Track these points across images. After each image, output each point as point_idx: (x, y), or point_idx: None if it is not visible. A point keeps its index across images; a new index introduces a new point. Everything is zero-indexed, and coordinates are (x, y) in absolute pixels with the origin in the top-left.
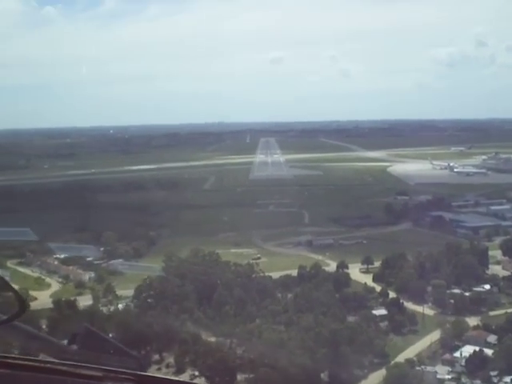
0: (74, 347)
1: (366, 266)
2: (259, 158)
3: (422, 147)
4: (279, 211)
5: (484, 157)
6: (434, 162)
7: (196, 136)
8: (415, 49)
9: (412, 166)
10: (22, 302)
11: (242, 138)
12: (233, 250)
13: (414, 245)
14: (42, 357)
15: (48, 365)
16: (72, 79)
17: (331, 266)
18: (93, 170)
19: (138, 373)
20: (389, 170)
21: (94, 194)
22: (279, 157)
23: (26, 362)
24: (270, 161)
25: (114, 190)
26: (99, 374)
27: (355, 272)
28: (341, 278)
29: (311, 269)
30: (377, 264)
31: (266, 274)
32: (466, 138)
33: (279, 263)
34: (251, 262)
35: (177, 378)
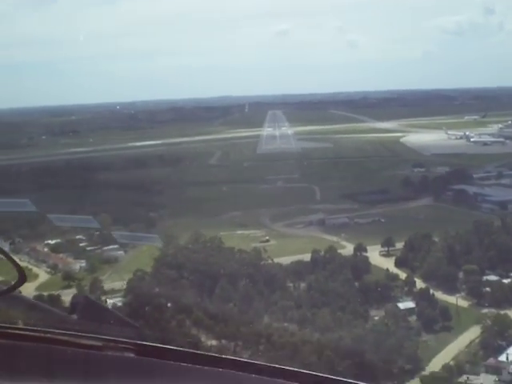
0: (74, 317)
1: (386, 249)
2: (266, 131)
3: (433, 116)
4: (288, 187)
5: (500, 125)
6: (449, 132)
7: (202, 110)
8: (422, 17)
9: (426, 137)
10: (22, 272)
11: (248, 111)
12: (239, 232)
13: (437, 223)
14: (41, 327)
15: (48, 335)
16: (75, 56)
17: (347, 249)
18: (95, 148)
19: (138, 342)
20: (402, 140)
21: (93, 173)
22: (287, 129)
23: (26, 333)
24: (278, 134)
25: (115, 168)
26: (99, 343)
27: (375, 255)
28: (359, 264)
29: (326, 253)
30: (398, 246)
31: (275, 260)
32: (478, 106)
33: (290, 246)
34: (258, 245)
35: (177, 348)
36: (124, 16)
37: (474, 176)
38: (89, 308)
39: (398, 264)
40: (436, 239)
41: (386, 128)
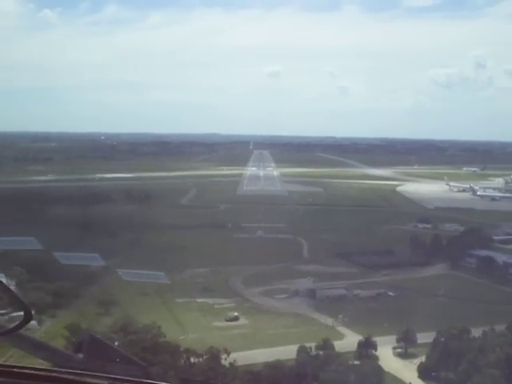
0: (80, 356)
1: (403, 346)
2: (250, 170)
3: (427, 166)
4: (270, 238)
5: (503, 179)
6: (451, 184)
7: (186, 145)
8: (413, 69)
9: (425, 187)
10: (27, 311)
11: (234, 149)
12: (199, 300)
13: (468, 304)
14: (47, 366)
15: (54, 374)
16: (67, 84)
17: (348, 340)
18: (60, 177)
19: (144, 381)
20: (399, 189)
21: (44, 205)
22: (273, 170)
23: (31, 372)
24: (263, 174)
25: (71, 201)
26: (105, 382)
27: (387, 355)
28: (366, 370)
29: (317, 349)
30: (421, 340)
31: (242, 355)
32: (469, 158)
33: (266, 331)
34: (223, 325)
35: None
36: (118, 48)
37: (495, 238)
38: (95, 346)
39: (423, 374)
40: (476, 335)
41: (380, 175)
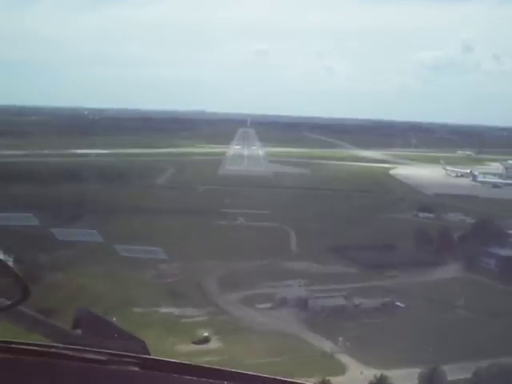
0: (78, 331)
1: None
2: (234, 149)
3: (419, 148)
4: (252, 227)
5: (497, 164)
6: (448, 168)
7: (170, 122)
8: (401, 51)
9: (420, 171)
10: (25, 287)
11: (219, 127)
12: (162, 311)
13: (500, 321)
14: (46, 342)
15: (52, 349)
16: (53, 58)
17: (353, 376)
18: (31, 151)
19: (143, 356)
20: (392, 173)
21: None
22: (257, 149)
23: (29, 347)
24: (247, 153)
25: (28, 180)
26: (103, 357)
27: None
28: None
29: None
30: (451, 375)
31: None
32: (460, 142)
33: (243, 360)
34: (189, 349)
35: (181, 361)
36: (106, 24)
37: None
38: (92, 322)
39: None
40: None
41: (370, 157)
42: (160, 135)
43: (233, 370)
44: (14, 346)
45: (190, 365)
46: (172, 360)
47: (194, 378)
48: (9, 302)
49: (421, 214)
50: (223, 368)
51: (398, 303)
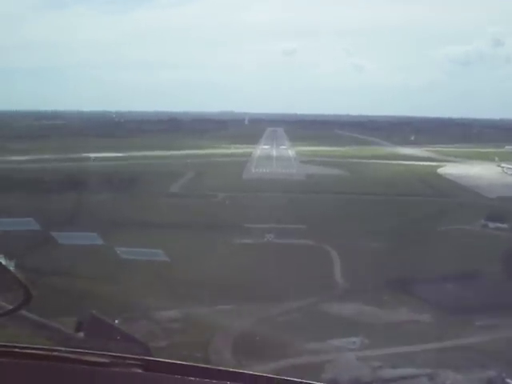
0: (81, 334)
1: None
2: (261, 149)
3: (461, 144)
4: (284, 246)
5: None
6: (504, 165)
7: (196, 123)
8: (430, 46)
9: (472, 169)
10: (27, 291)
11: (247, 127)
12: None
13: None
14: (48, 345)
15: (55, 353)
16: (81, 63)
17: None
18: (39, 156)
19: (145, 357)
20: (441, 172)
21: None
22: (287, 149)
23: (32, 351)
24: (276, 154)
25: (31, 187)
26: (106, 360)
27: None
28: None
29: None
30: None
31: None
32: (501, 136)
33: None
34: None
35: (185, 362)
36: (131, 26)
37: None
38: (95, 325)
39: None
40: None
41: (411, 155)
42: (183, 136)
43: (235, 370)
44: (16, 349)
45: (193, 366)
46: (175, 361)
47: (197, 379)
48: (11, 306)
49: (491, 225)
50: (226, 369)
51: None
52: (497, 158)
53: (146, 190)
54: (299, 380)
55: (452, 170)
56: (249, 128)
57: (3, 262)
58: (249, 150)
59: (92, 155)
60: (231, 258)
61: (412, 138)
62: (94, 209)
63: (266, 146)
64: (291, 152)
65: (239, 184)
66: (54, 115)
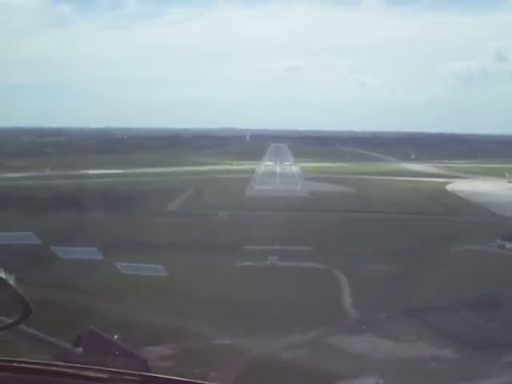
0: (79, 349)
1: None
2: (265, 165)
3: (468, 160)
4: (287, 271)
5: None
6: None
7: (198, 139)
8: (433, 62)
9: (482, 186)
10: (27, 305)
11: (249, 144)
12: None
13: None
14: (47, 360)
15: (53, 368)
16: (84, 80)
17: None
18: (35, 173)
19: (144, 373)
20: (450, 189)
21: None
22: (291, 165)
23: (31, 366)
24: (279, 170)
25: (20, 205)
26: (105, 375)
27: None
28: None
29: None
30: None
31: None
32: (507, 152)
33: None
34: None
35: (184, 379)
36: (132, 44)
37: None
38: (94, 340)
39: None
40: None
41: (418, 171)
42: (184, 152)
43: None
44: (15, 364)
45: (190, 382)
46: (172, 377)
47: None
48: (10, 321)
49: (508, 245)
50: None
51: None
52: (507, 174)
53: (141, 208)
54: None
55: (462, 186)
56: (251, 144)
57: (3, 276)
58: (252, 166)
59: (90, 172)
60: (230, 283)
61: (412, 156)
62: (87, 228)
63: (270, 163)
64: (295, 168)
65: (241, 201)
66: (57, 132)
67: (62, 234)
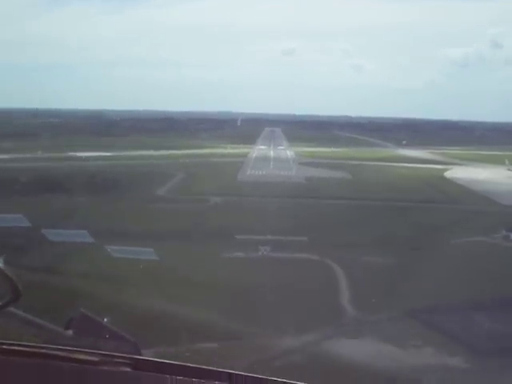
0: (70, 332)
1: None
2: (258, 150)
3: (465, 146)
4: (280, 262)
5: None
6: None
7: (193, 122)
8: (429, 47)
9: (481, 173)
10: (16, 287)
11: (245, 127)
12: None
13: None
14: (37, 342)
15: (43, 350)
16: (80, 61)
17: None
18: (20, 155)
19: (135, 356)
20: (448, 176)
21: None
22: (285, 150)
23: (21, 348)
24: (273, 155)
25: (10, 188)
26: (95, 358)
27: None
28: None
29: None
30: None
31: None
32: (504, 139)
33: None
34: None
35: (174, 361)
36: (127, 24)
37: None
38: (84, 323)
39: None
40: None
41: (415, 157)
42: (178, 135)
43: (226, 370)
44: (4, 346)
45: (182, 365)
46: (164, 361)
47: (186, 379)
48: None
49: None
50: (216, 368)
51: None
52: (507, 162)
53: (128, 193)
54: (289, 381)
55: (461, 173)
56: (246, 128)
57: None
58: (246, 150)
59: (83, 154)
60: (214, 281)
61: (404, 142)
62: (68, 214)
63: (263, 147)
64: (289, 153)
65: (233, 186)
66: (51, 113)
67: (40, 220)
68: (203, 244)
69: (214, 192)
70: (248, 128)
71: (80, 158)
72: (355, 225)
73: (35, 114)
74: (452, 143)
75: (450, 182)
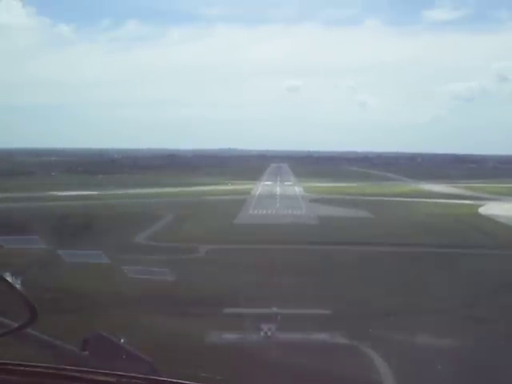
0: (86, 353)
1: None
2: (263, 185)
3: (486, 179)
4: (293, 348)
5: None
6: None
7: (196, 159)
8: (434, 83)
9: None
10: (33, 309)
11: (247, 163)
12: None
13: None
14: (54, 364)
15: (61, 372)
16: (83, 101)
17: None
18: (11, 195)
19: (151, 377)
20: (484, 213)
21: None
22: (293, 185)
23: (38, 370)
24: (279, 191)
25: None
26: (112, 379)
27: None
28: None
29: None
30: None
31: None
32: None
33: None
34: None
35: (190, 382)
36: (137, 65)
37: None
38: (101, 344)
39: None
40: None
41: (440, 192)
42: (178, 172)
43: None
44: (22, 368)
45: None
46: (179, 381)
47: None
48: (16, 325)
49: None
50: None
51: None
52: None
53: (101, 239)
54: None
55: (496, 210)
56: (252, 164)
57: (9, 280)
58: (249, 186)
59: (72, 193)
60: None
61: (426, 174)
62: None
63: (269, 182)
64: (297, 188)
65: (230, 230)
66: (51, 152)
67: None
68: (185, 320)
69: (203, 238)
70: (253, 164)
71: (68, 198)
72: (385, 282)
73: (36, 153)
74: (469, 176)
75: (489, 220)
